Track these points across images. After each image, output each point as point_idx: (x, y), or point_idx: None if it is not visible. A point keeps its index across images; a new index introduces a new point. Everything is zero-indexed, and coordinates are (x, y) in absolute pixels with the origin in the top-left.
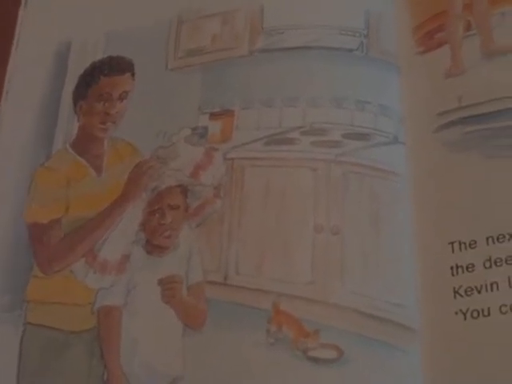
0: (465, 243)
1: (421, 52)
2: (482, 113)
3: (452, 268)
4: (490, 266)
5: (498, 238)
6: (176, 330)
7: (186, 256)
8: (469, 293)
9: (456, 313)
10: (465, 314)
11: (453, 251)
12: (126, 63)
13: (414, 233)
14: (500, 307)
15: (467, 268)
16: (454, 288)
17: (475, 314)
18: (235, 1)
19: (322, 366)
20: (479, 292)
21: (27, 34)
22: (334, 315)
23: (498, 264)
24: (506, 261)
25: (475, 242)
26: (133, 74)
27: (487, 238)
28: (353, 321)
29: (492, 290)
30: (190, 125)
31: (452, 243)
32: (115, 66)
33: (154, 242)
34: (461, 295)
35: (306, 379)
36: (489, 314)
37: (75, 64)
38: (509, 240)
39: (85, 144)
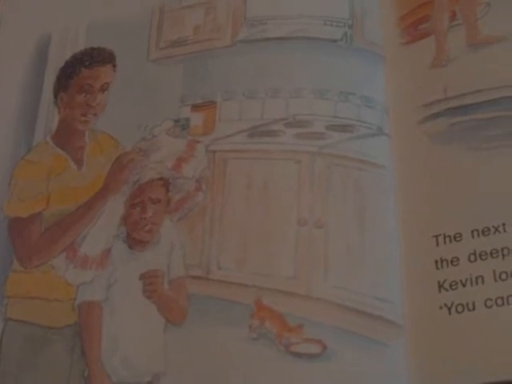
0: (449, 236)
1: (406, 43)
2: (468, 104)
3: (437, 261)
4: (475, 260)
5: (483, 231)
6: (157, 325)
7: (168, 250)
8: (454, 287)
9: (441, 307)
10: (449, 308)
11: (437, 244)
12: (107, 54)
13: (399, 226)
14: (485, 301)
15: (452, 261)
16: (439, 282)
17: (460, 308)
18: None
19: (305, 360)
20: (464, 286)
21: (7, 26)
22: (318, 310)
23: (483, 257)
24: (491, 254)
25: (460, 235)
26: (114, 66)
27: (472, 231)
28: (336, 315)
29: (477, 283)
30: (172, 117)
31: (437, 236)
32: (96, 58)
33: (135, 236)
34: (445, 289)
35: (289, 374)
36: (474, 308)
37: (56, 56)
38: (494, 233)
39: (66, 136)
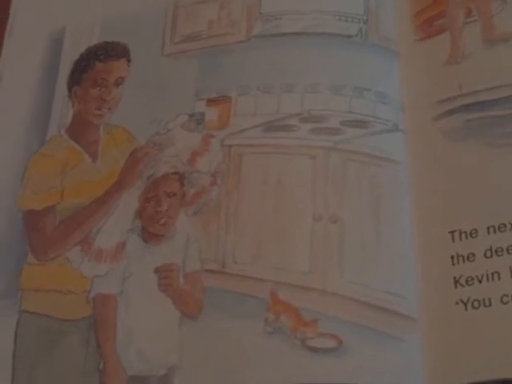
0: (465, 232)
1: (421, 39)
2: (483, 100)
3: (452, 257)
4: (491, 256)
5: (499, 228)
6: (172, 319)
7: (183, 244)
8: (469, 282)
9: (456, 303)
10: (465, 304)
11: (453, 240)
12: (121, 48)
13: (414, 221)
14: (501, 297)
15: (468, 257)
16: (455, 277)
17: (476, 304)
18: None
19: (320, 355)
20: (480, 282)
21: (22, 19)
22: (333, 304)
23: (499, 253)
24: (507, 250)
25: (476, 231)
26: (128, 60)
27: (488, 228)
28: (352, 310)
29: (493, 279)
30: (187, 111)
31: (452, 232)
32: (110, 52)
33: (149, 230)
34: (461, 285)
35: (304, 369)
36: (490, 304)
37: (70, 49)
38: (510, 229)
39: (80, 130)
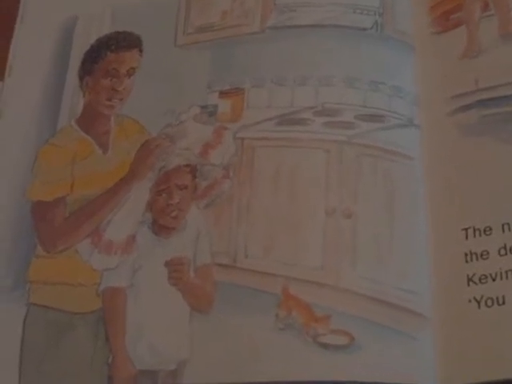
0: (479, 230)
1: (437, 32)
2: (500, 96)
3: (466, 255)
4: (506, 254)
5: None
6: (183, 313)
7: (194, 237)
8: (483, 280)
9: (470, 301)
10: (479, 302)
11: (467, 238)
12: (133, 39)
13: (428, 218)
14: None
15: (481, 255)
16: (468, 275)
17: (489, 303)
18: None
19: (332, 352)
20: (494, 280)
21: (32, 8)
22: (345, 301)
23: None
24: None
25: (490, 229)
26: (140, 50)
27: (503, 225)
28: (364, 307)
29: (507, 277)
30: (199, 103)
31: (466, 229)
32: (122, 42)
33: (160, 223)
34: (475, 283)
35: (315, 365)
36: (503, 303)
37: (81, 39)
38: None
39: (90, 121)
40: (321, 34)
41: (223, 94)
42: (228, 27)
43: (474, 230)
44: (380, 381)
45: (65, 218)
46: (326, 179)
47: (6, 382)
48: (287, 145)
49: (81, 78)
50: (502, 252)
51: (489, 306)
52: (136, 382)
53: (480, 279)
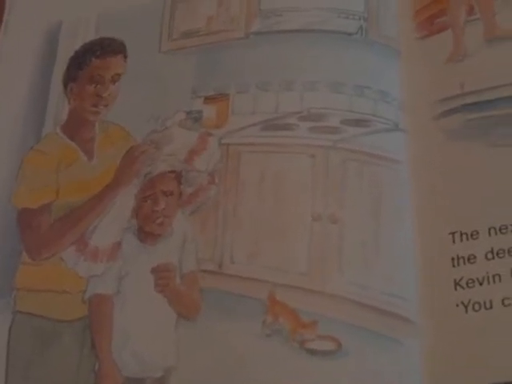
0: (466, 234)
1: (422, 37)
2: (485, 100)
3: (453, 259)
4: (493, 258)
5: (500, 229)
6: (169, 320)
7: (180, 244)
8: (470, 285)
9: (457, 305)
10: (466, 307)
11: (454, 242)
12: (117, 45)
13: (415, 222)
14: (503, 300)
15: (468, 259)
16: (455, 280)
17: (477, 307)
18: None
19: (319, 357)
20: (481, 284)
21: (17, 14)
22: (332, 306)
23: (501, 255)
24: (508, 252)
25: (477, 233)
26: (125, 56)
27: (489, 229)
28: (351, 312)
29: (494, 281)
30: (184, 109)
31: (453, 233)
32: (107, 48)
33: (146, 229)
34: (462, 287)
35: (303, 371)
36: (491, 307)
37: (66, 45)
38: (511, 231)
39: (75, 127)
40: (305, 38)
41: (208, 99)
42: (213, 33)
43: (461, 234)
44: None
45: (50, 225)
46: (311, 184)
47: None
48: (272, 150)
49: (65, 85)
50: (489, 256)
51: (476, 311)
52: None
53: (467, 283)
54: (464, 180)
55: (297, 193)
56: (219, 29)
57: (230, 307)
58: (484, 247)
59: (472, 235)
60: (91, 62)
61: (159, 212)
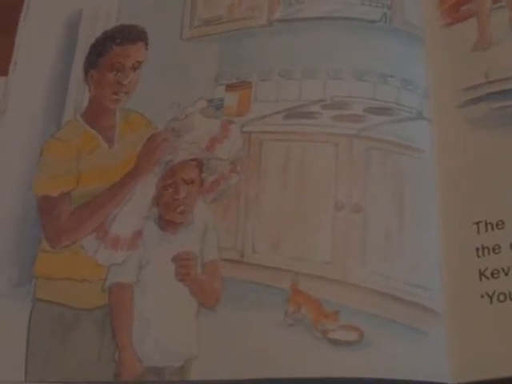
0: (491, 224)
1: (446, 24)
2: (510, 88)
3: (478, 249)
4: None
5: None
6: (190, 309)
7: (201, 232)
8: (495, 275)
9: (482, 296)
10: (491, 298)
11: (478, 232)
12: (138, 32)
13: (439, 212)
14: None
15: (493, 249)
16: (480, 270)
17: (502, 298)
18: None
19: (342, 348)
20: (506, 274)
21: (37, 2)
22: (354, 296)
23: None
24: None
25: (503, 223)
26: (146, 44)
27: None
28: (374, 302)
29: None
30: (206, 96)
31: (478, 223)
32: (128, 35)
33: (167, 218)
34: (487, 277)
35: (325, 361)
36: None
37: (86, 32)
38: None
39: (96, 115)
40: (329, 26)
41: (230, 87)
42: (235, 20)
43: (486, 224)
44: (390, 377)
45: (70, 212)
46: (334, 173)
47: (13, 377)
48: (295, 139)
49: (86, 72)
50: None
51: (501, 301)
52: (143, 378)
53: (492, 274)
54: (488, 169)
55: (320, 182)
56: (241, 16)
57: (252, 297)
58: (509, 237)
59: (497, 225)
60: (112, 50)
61: (180, 200)
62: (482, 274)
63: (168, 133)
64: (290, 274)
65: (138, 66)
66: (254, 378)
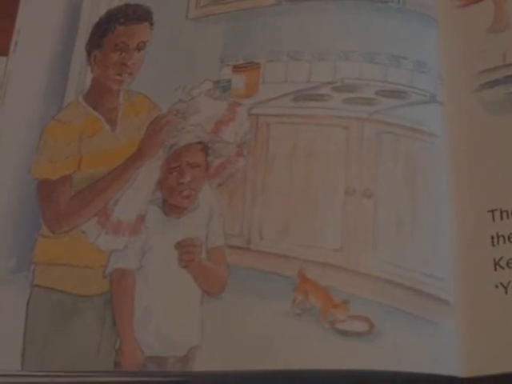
0: (507, 211)
1: (462, 5)
2: None
3: (492, 238)
4: None
5: None
6: (194, 297)
7: (206, 218)
8: (510, 265)
9: (496, 286)
10: (506, 288)
11: (493, 219)
12: (143, 11)
13: (452, 199)
14: None
15: (509, 238)
16: (495, 259)
17: None
18: None
19: (351, 339)
20: None
21: None
22: (365, 285)
23: None
24: None
25: None
26: (151, 23)
27: None
28: (385, 292)
29: None
30: (212, 78)
31: (492, 211)
32: (132, 15)
33: (171, 202)
34: (502, 267)
35: (333, 353)
36: None
37: (89, 12)
38: None
39: (98, 96)
40: (340, 6)
41: (237, 68)
42: None
43: (501, 212)
44: (401, 370)
45: (71, 196)
46: (345, 158)
47: (9, 366)
48: (304, 122)
49: (89, 53)
50: None
51: None
52: (144, 368)
53: (507, 263)
54: (505, 155)
55: (329, 166)
56: None
57: (258, 285)
58: None
59: None
60: (115, 29)
61: (185, 184)
62: (496, 263)
63: (173, 115)
64: (298, 262)
65: (142, 47)
66: (260, 369)
